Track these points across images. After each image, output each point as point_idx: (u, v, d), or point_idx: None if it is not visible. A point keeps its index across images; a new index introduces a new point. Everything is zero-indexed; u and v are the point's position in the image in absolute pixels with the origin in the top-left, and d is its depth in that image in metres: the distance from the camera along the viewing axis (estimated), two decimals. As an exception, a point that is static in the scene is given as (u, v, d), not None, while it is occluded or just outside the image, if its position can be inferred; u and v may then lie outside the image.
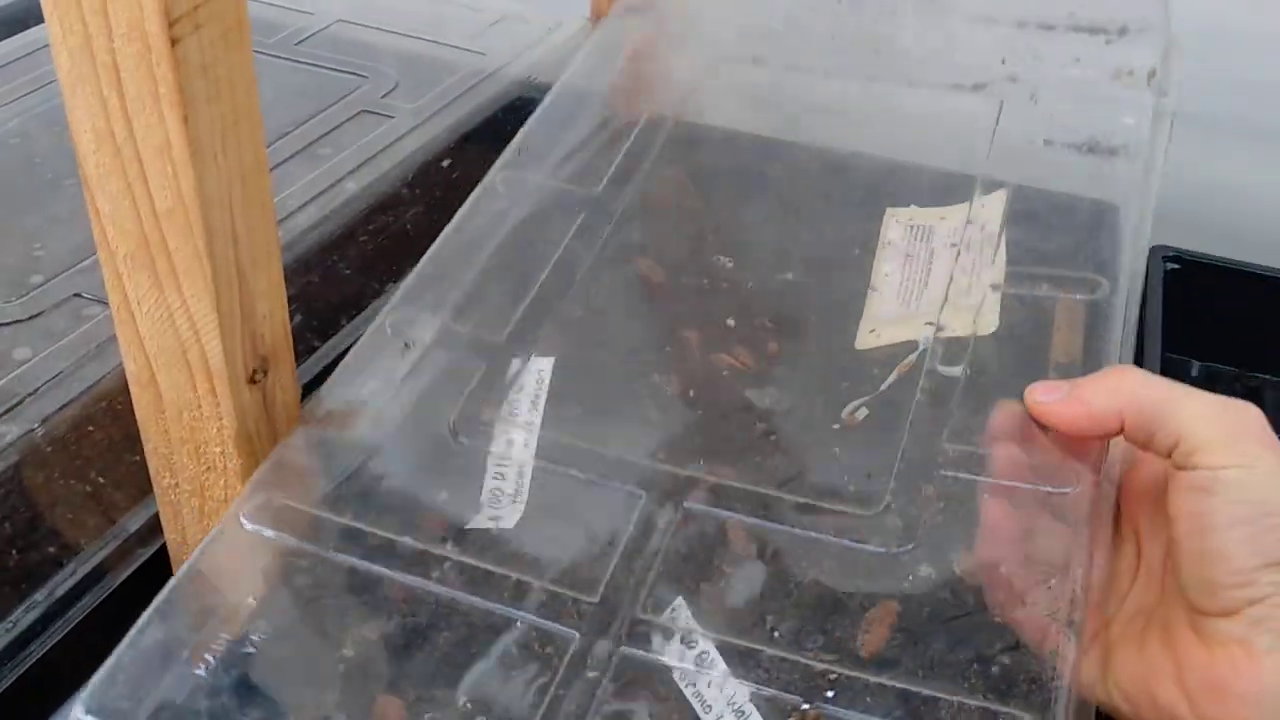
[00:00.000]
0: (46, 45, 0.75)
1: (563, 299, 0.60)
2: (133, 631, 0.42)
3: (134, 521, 0.51)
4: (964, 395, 0.55)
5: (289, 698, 0.40)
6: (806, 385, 0.57)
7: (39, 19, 0.81)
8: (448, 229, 0.61)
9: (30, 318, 0.53)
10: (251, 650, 0.41)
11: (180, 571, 0.44)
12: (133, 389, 0.47)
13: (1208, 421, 0.42)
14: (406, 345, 0.53)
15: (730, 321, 0.62)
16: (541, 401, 0.56)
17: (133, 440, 0.51)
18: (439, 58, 0.78)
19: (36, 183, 0.63)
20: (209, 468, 0.48)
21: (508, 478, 0.52)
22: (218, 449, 0.47)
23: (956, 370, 0.58)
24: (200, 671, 0.40)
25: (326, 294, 0.64)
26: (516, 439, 0.53)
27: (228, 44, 0.40)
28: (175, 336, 0.44)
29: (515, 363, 0.58)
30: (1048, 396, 0.48)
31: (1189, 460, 0.42)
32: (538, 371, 0.58)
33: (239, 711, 0.39)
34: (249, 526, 0.45)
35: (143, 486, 0.52)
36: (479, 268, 0.60)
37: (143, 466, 0.51)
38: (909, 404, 0.55)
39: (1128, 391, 0.45)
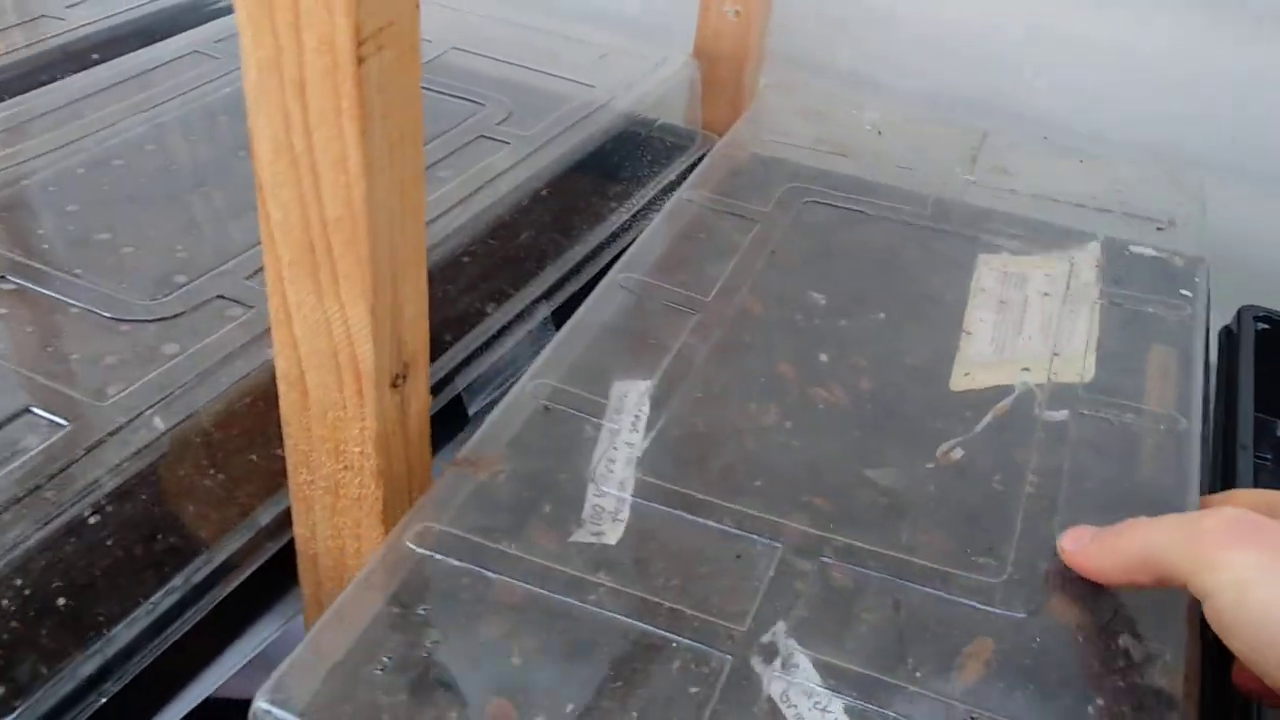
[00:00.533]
0: (179, 57, 0.80)
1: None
2: (312, 632, 0.44)
3: (265, 515, 0.54)
4: (1067, 443, 0.57)
5: (463, 700, 0.43)
6: (899, 422, 0.58)
7: (169, 31, 0.85)
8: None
9: (176, 315, 0.56)
10: (425, 654, 0.44)
11: (354, 582, 0.47)
12: (280, 387, 0.49)
13: (1177, 549, 0.43)
14: (547, 408, 0.56)
15: (824, 357, 0.64)
16: (642, 424, 0.58)
17: (268, 437, 0.53)
18: (550, 88, 0.81)
19: (175, 188, 0.66)
20: (346, 466, 0.50)
21: (608, 496, 0.54)
22: (357, 449, 0.49)
23: (1058, 416, 0.59)
24: (378, 672, 0.43)
25: (436, 312, 0.66)
26: (618, 458, 0.55)
27: (403, 65, 0.43)
28: (329, 339, 0.47)
29: (617, 385, 0.60)
30: (1073, 545, 0.49)
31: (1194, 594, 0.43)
32: (638, 394, 0.60)
33: (417, 710, 0.42)
34: (413, 548, 0.48)
35: (275, 482, 0.54)
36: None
37: (276, 463, 0.53)
38: (1007, 448, 0.56)
39: (1142, 541, 0.45)
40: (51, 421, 0.49)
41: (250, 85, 0.42)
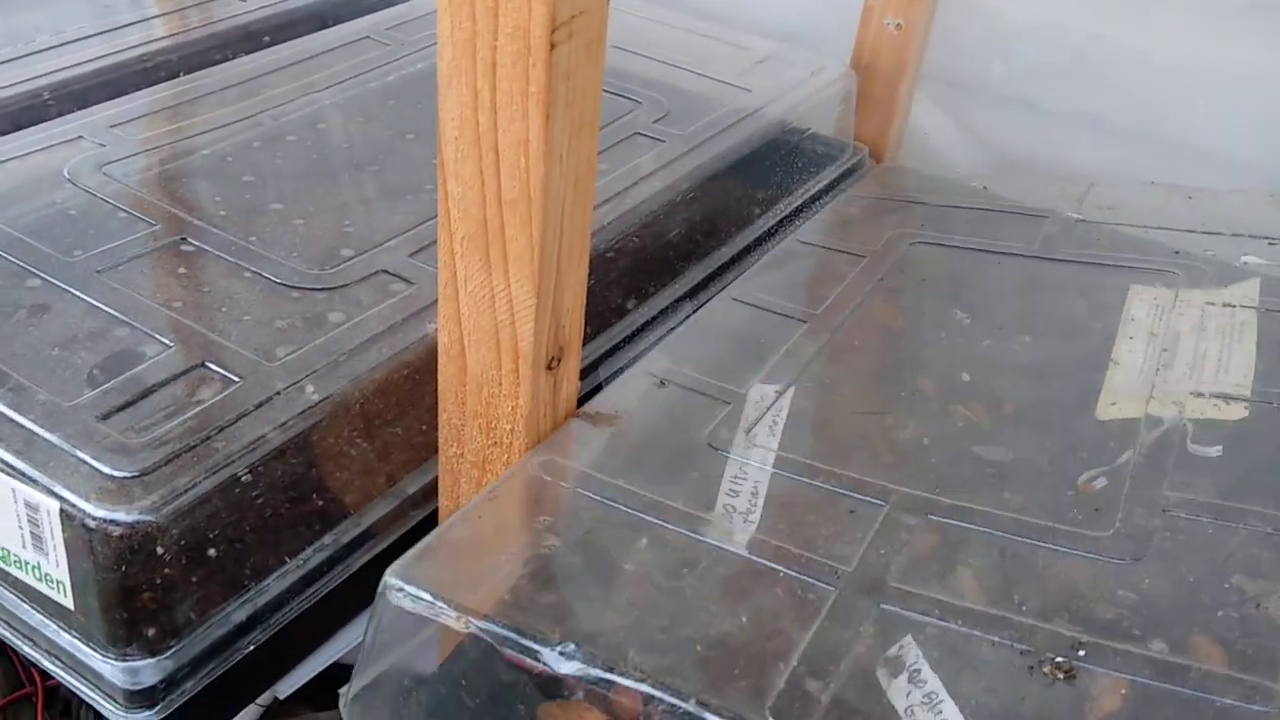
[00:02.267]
0: (352, 41, 0.83)
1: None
2: (440, 527, 0.48)
3: (412, 485, 0.55)
4: (1221, 478, 0.55)
5: (581, 591, 0.46)
6: (1040, 447, 0.57)
7: (341, 17, 0.88)
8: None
9: (342, 286, 0.58)
10: (548, 552, 0.47)
11: (482, 493, 0.50)
12: (441, 360, 0.50)
13: None
14: (662, 383, 0.58)
15: (966, 376, 0.63)
16: (780, 428, 0.58)
17: (421, 410, 0.55)
18: (707, 91, 0.81)
19: (342, 167, 0.69)
20: (495, 443, 0.51)
21: (741, 494, 0.54)
22: (508, 426, 0.51)
23: (1212, 451, 0.57)
24: (502, 561, 0.46)
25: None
26: (753, 459, 0.55)
27: (589, 55, 0.44)
28: (493, 317, 0.48)
29: (756, 388, 0.60)
30: None
31: None
32: (777, 397, 0.60)
33: (538, 594, 0.44)
34: (539, 474, 0.51)
35: (424, 453, 0.55)
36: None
37: (427, 434, 0.55)
38: (1159, 479, 0.55)
39: None
40: (225, 377, 0.51)
41: (444, 64, 0.43)
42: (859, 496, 0.52)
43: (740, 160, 0.77)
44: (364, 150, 0.70)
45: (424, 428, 0.55)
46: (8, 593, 0.49)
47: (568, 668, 0.42)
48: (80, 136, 0.68)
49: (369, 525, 0.53)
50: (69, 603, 0.47)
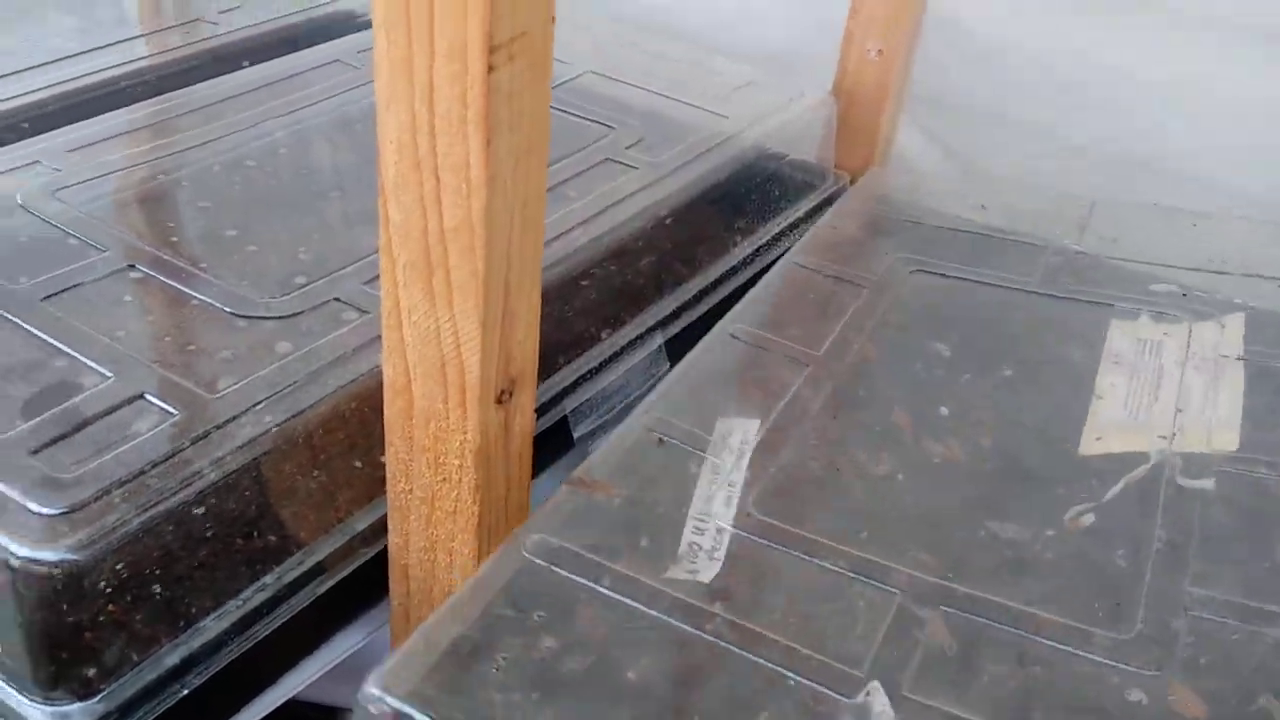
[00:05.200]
0: (321, 65, 0.82)
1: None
2: (425, 625, 0.45)
3: (361, 521, 0.53)
4: (1213, 513, 0.54)
5: (581, 707, 0.43)
6: (1022, 484, 0.56)
7: (316, 40, 0.87)
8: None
9: (292, 315, 0.56)
10: (544, 656, 0.44)
11: (468, 583, 0.47)
12: (386, 394, 0.49)
13: None
14: (661, 440, 0.56)
15: (944, 410, 0.61)
16: (745, 462, 0.56)
17: (370, 443, 0.53)
18: (683, 117, 0.80)
19: (302, 192, 0.67)
20: (444, 479, 0.49)
21: (706, 533, 0.53)
22: (456, 461, 0.49)
23: (1203, 484, 0.56)
24: (494, 670, 0.43)
25: (549, 333, 0.65)
26: (718, 497, 0.54)
27: (534, 77, 0.42)
28: (438, 349, 0.46)
29: (721, 422, 0.59)
30: None
31: None
32: (743, 432, 0.58)
33: (535, 710, 0.42)
34: (529, 557, 0.48)
35: (373, 489, 0.54)
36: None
37: (376, 469, 0.53)
38: (1149, 515, 0.53)
39: None
40: (163, 409, 0.49)
41: (381, 85, 0.42)
42: (867, 580, 0.49)
43: (716, 187, 0.76)
44: (326, 176, 0.69)
45: (376, 461, 0.53)
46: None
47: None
48: (37, 161, 0.67)
49: (315, 562, 0.51)
50: (-7, 643, 0.45)
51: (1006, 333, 0.68)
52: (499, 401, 0.48)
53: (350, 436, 0.52)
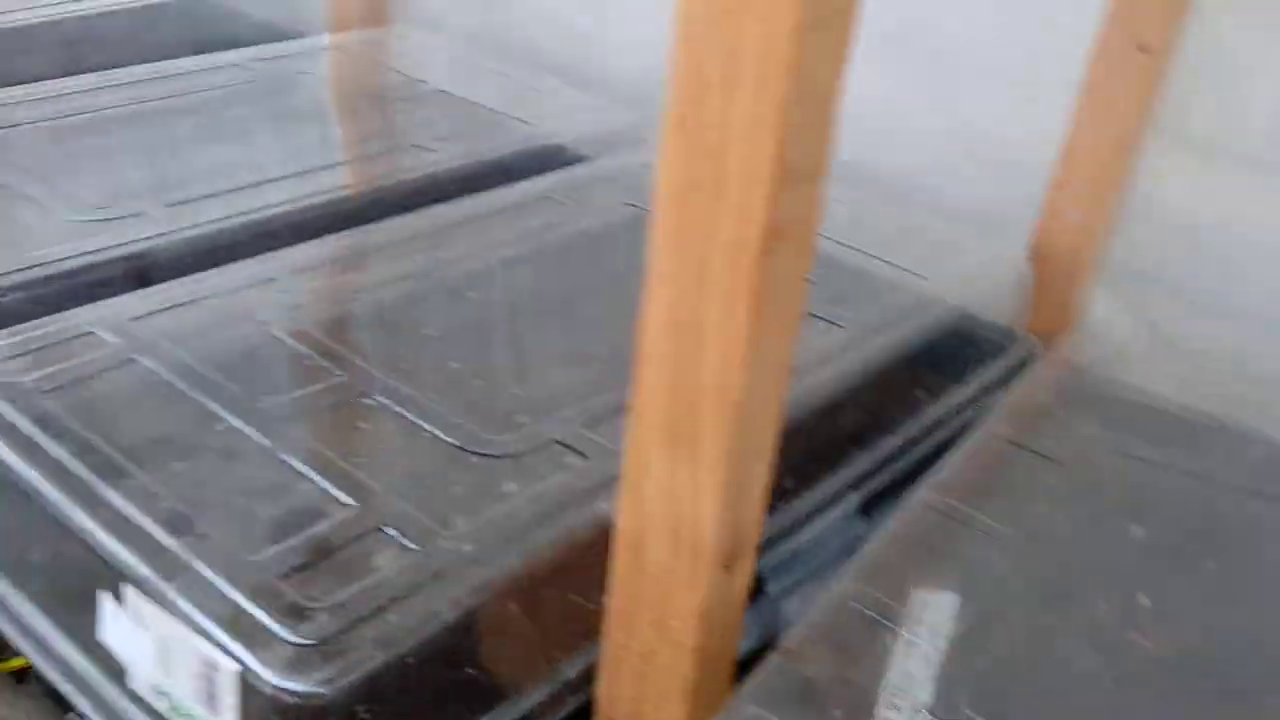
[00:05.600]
0: (531, 200, 0.85)
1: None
2: None
3: (571, 669, 0.54)
4: None
5: None
6: (1234, 693, 0.53)
7: (525, 173, 0.90)
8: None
9: (516, 455, 0.58)
10: None
11: None
12: (618, 547, 0.50)
13: None
14: (862, 613, 0.56)
15: (1145, 601, 0.59)
16: (941, 641, 0.56)
17: (587, 591, 0.54)
18: (882, 274, 0.81)
19: (520, 327, 0.70)
20: (664, 637, 0.50)
21: (902, 711, 0.52)
22: (678, 622, 0.49)
23: None
24: None
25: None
26: (915, 674, 0.53)
27: (799, 259, 0.44)
28: (676, 509, 0.47)
29: (918, 595, 0.58)
30: None
31: None
32: (941, 608, 0.58)
33: None
34: None
35: (585, 636, 0.54)
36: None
37: (589, 618, 0.54)
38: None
39: None
40: (401, 543, 0.51)
41: (656, 259, 0.44)
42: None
43: (912, 346, 0.76)
44: (538, 311, 0.71)
45: (586, 610, 0.54)
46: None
47: None
48: (272, 279, 0.71)
49: (528, 709, 0.52)
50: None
51: (1209, 527, 0.66)
52: (727, 566, 0.49)
53: (567, 583, 0.53)
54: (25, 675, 0.66)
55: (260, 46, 1.11)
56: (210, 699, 0.46)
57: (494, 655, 0.51)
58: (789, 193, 0.40)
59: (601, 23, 1.12)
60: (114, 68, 1.03)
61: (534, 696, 0.52)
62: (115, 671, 0.52)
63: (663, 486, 0.47)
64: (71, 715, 0.57)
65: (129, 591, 0.49)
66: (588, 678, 0.54)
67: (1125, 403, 0.76)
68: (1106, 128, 0.81)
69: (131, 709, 0.51)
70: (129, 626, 0.50)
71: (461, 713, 0.50)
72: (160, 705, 0.50)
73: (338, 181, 0.86)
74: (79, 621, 0.54)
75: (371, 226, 0.80)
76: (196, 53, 1.10)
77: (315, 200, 0.83)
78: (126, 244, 0.73)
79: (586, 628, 0.54)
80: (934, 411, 0.76)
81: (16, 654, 0.65)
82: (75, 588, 0.54)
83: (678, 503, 0.47)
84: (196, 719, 0.47)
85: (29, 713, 0.62)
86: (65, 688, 0.54)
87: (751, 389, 0.44)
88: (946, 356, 0.78)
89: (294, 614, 0.46)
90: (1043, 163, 0.84)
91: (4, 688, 0.65)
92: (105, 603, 0.51)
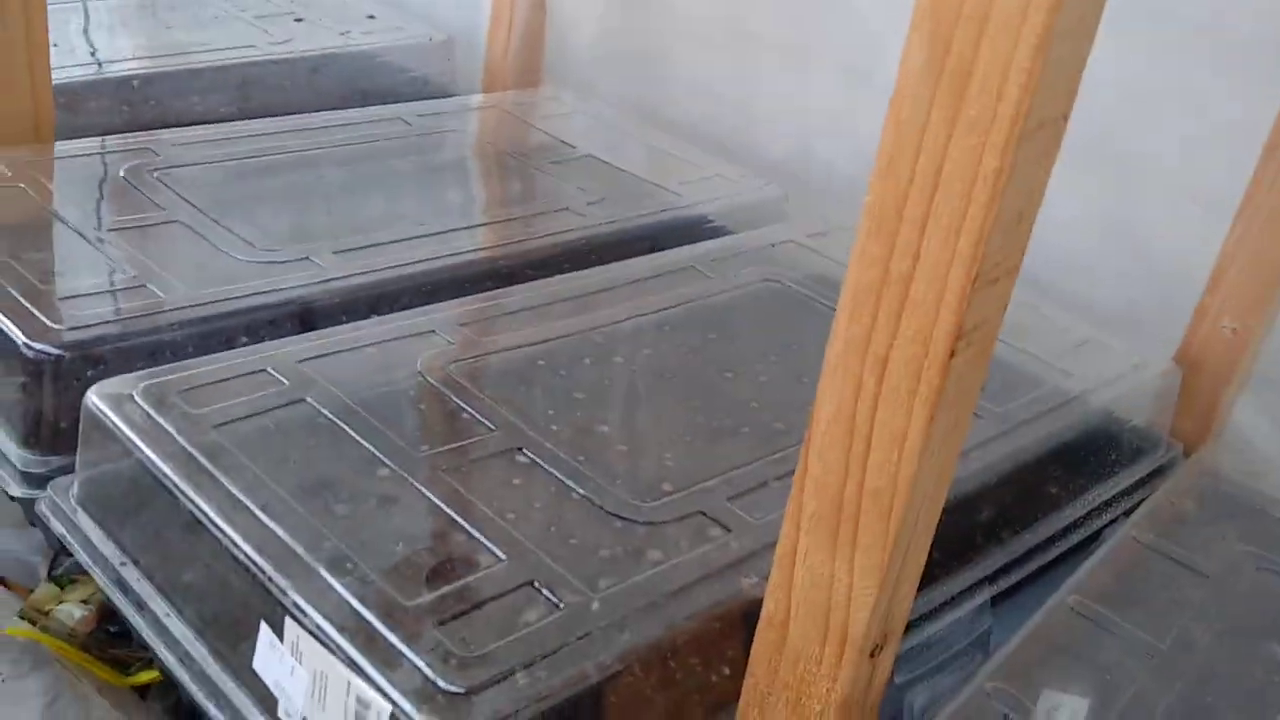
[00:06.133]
0: (676, 269, 0.86)
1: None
2: None
3: (703, 740, 0.54)
4: None
5: None
6: None
7: (669, 241, 0.92)
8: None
9: (661, 523, 0.59)
10: None
11: None
12: (761, 625, 0.50)
13: None
14: (1006, 717, 0.55)
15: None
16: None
17: (721, 666, 0.54)
18: (1028, 368, 0.80)
19: (665, 396, 0.71)
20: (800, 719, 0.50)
21: None
22: (817, 707, 0.49)
23: None
24: None
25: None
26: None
27: (979, 360, 0.44)
28: (827, 595, 0.47)
29: (1047, 694, 0.57)
30: None
31: None
32: (1075, 712, 0.57)
33: None
34: None
35: (719, 710, 0.55)
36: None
37: (720, 694, 0.54)
38: None
39: None
40: (549, 600, 0.52)
41: (833, 354, 0.44)
42: None
43: (1054, 444, 0.75)
44: (683, 381, 0.73)
45: (720, 687, 0.54)
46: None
47: None
48: (432, 331, 0.73)
49: (655, 776, 0.53)
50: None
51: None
52: (872, 655, 0.49)
53: (704, 657, 0.54)
54: (148, 691, 0.68)
55: (420, 103, 1.16)
56: (364, 738, 0.47)
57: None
58: (980, 295, 0.40)
59: (753, 96, 1.14)
60: (283, 114, 1.09)
61: (663, 767, 0.53)
62: (263, 699, 0.54)
63: (817, 573, 0.48)
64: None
65: (289, 624, 0.52)
66: (717, 753, 0.54)
67: (1273, 518, 0.74)
68: (1266, 235, 0.80)
69: (280, 739, 0.53)
70: (285, 658, 0.52)
71: (597, 777, 0.51)
72: (308, 738, 0.52)
73: (491, 239, 0.89)
74: (233, 649, 0.56)
75: (523, 286, 0.82)
76: (358, 104, 1.15)
77: (469, 257, 0.86)
78: (295, 288, 0.77)
79: (719, 701, 0.55)
80: (1071, 511, 0.75)
81: (145, 668, 0.68)
82: (232, 616, 0.56)
83: (829, 591, 0.47)
84: (349, 757, 0.48)
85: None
86: (214, 713, 0.56)
87: (919, 488, 0.45)
88: (1089, 456, 0.77)
89: (448, 661, 0.47)
90: (1197, 267, 0.83)
91: (127, 701, 0.68)
92: (264, 633, 0.53)
